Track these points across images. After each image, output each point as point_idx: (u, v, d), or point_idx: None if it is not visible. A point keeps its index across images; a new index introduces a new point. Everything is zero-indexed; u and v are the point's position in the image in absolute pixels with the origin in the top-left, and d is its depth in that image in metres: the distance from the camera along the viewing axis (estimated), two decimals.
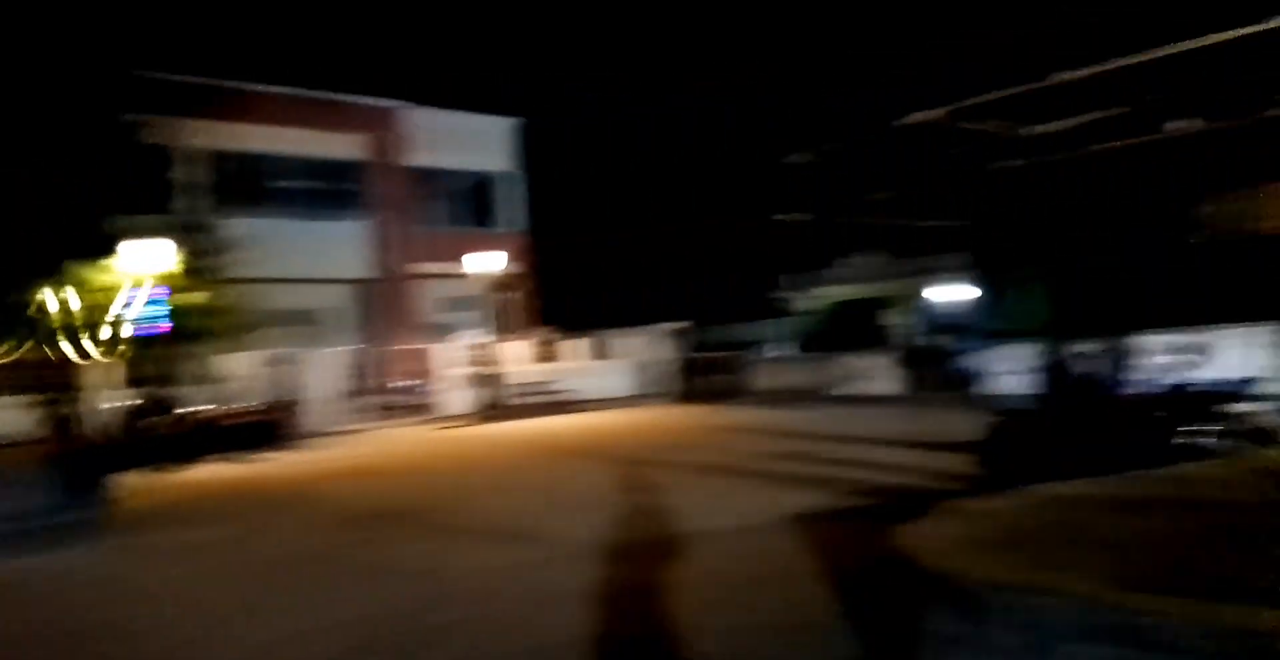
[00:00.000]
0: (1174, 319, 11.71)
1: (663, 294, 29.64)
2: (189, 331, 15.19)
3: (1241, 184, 16.33)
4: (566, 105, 36.99)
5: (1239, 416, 7.28)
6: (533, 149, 26.43)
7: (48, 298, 13.36)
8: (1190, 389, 7.46)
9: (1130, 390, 7.57)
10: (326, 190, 22.91)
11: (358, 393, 19.72)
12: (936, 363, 19.88)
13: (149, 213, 16.91)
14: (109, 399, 13.55)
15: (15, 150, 12.91)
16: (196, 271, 15.60)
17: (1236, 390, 7.46)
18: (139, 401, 14.15)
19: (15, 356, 13.35)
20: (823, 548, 6.15)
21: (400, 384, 20.70)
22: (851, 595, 5.01)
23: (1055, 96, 16.39)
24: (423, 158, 23.92)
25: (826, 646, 4.42)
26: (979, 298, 23.50)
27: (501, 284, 22.87)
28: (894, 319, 25.08)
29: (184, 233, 15.88)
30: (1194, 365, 8.08)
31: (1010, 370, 13.12)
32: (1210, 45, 13.87)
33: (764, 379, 22.35)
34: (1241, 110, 15.93)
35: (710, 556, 6.18)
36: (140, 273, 13.74)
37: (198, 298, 15.39)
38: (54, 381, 12.63)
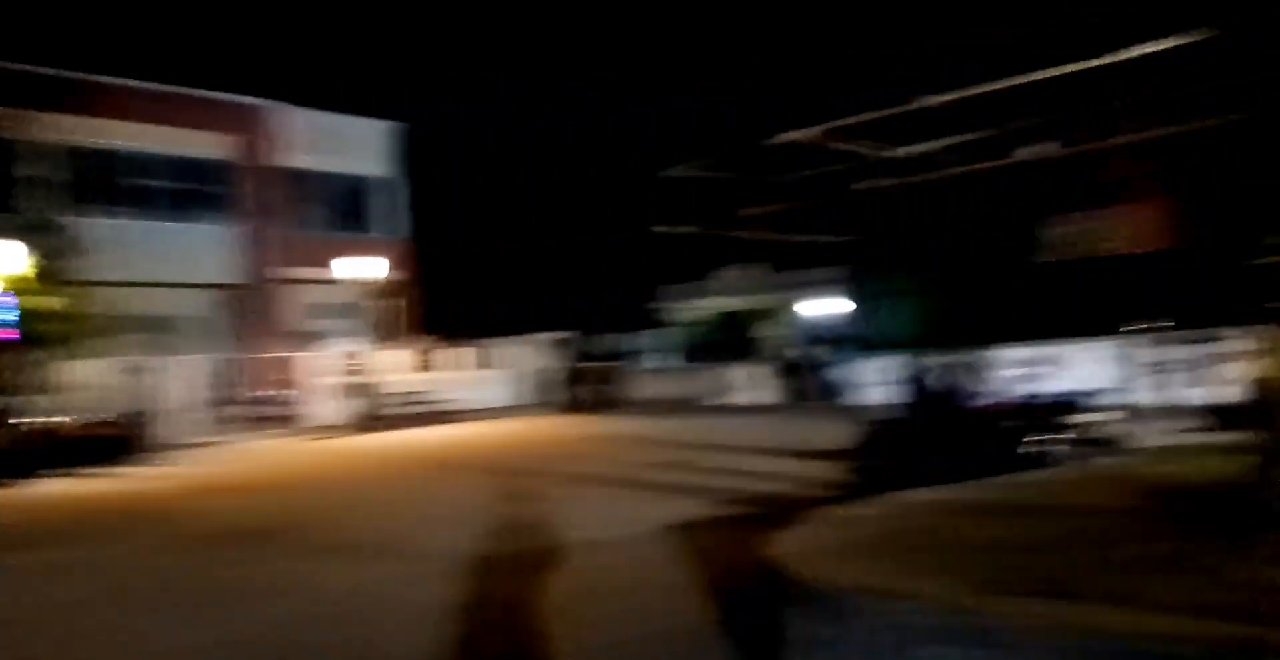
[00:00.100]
0: (1026, 333, 12.46)
1: (546, 303, 29.55)
2: (39, 337, 14.25)
3: (1085, 207, 17.51)
4: (452, 112, 36.49)
5: (1086, 426, 7.76)
6: (415, 155, 25.97)
7: None
8: (1041, 400, 7.91)
9: (986, 401, 7.97)
10: (191, 190, 21.89)
11: (221, 403, 18.86)
12: (810, 373, 20.49)
13: None
14: None
15: None
16: (48, 274, 14.68)
17: (1083, 401, 7.95)
18: None
19: None
20: (699, 556, 6.24)
21: (268, 394, 19.90)
22: (726, 602, 5.10)
23: (921, 120, 17.16)
24: (296, 159, 23.15)
25: (701, 654, 4.48)
26: (851, 311, 24.39)
27: (380, 291, 22.31)
28: (770, 331, 25.70)
29: (34, 233, 14.92)
30: (1044, 377, 8.58)
31: (878, 381, 13.66)
32: (1062, 75, 14.80)
33: (645, 389, 22.54)
34: (1087, 137, 17.07)
35: (589, 567, 6.18)
36: None
37: (49, 302, 14.47)
38: None
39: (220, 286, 22.06)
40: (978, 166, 18.75)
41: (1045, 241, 18.80)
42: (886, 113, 16.72)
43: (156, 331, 19.73)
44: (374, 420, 18.45)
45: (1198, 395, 12.66)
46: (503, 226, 35.17)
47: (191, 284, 21.42)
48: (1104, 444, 7.60)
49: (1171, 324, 14.58)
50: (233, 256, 22.27)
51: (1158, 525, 4.32)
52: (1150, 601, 3.09)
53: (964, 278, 19.28)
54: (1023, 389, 8.16)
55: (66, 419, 14.31)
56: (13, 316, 13.48)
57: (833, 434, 9.26)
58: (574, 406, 21.14)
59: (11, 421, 13.50)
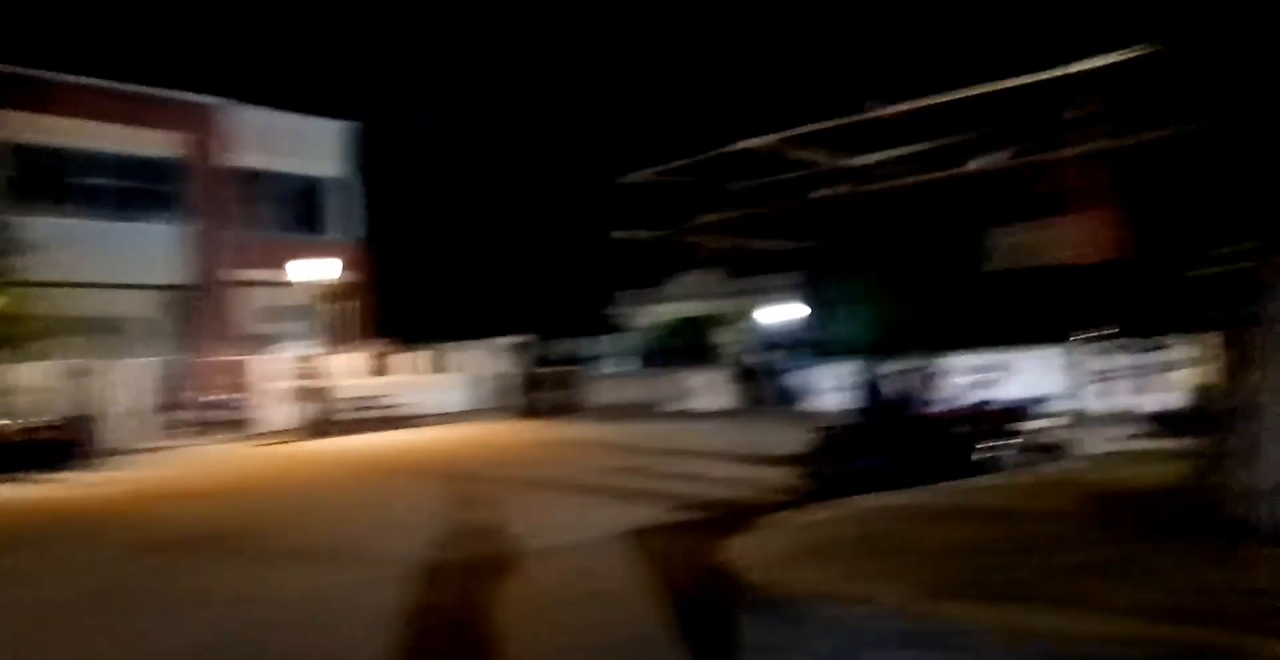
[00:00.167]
0: (978, 340, 12.67)
1: (503, 307, 29.42)
2: None
3: (1035, 217, 17.87)
4: (409, 112, 36.18)
5: (1034, 432, 7.90)
6: (371, 155, 25.74)
7: None
8: (992, 406, 8.03)
9: (939, 407, 8.08)
10: (140, 190, 21.46)
11: (169, 407, 18.48)
12: (767, 379, 20.61)
13: None
14: None
15: None
16: None
17: (1031, 407, 8.09)
18: None
19: None
20: (655, 562, 6.23)
21: (217, 398, 19.54)
22: (681, 609, 5.10)
23: (876, 130, 17.40)
24: (248, 159, 22.80)
25: None
26: (807, 317, 24.61)
27: (333, 293, 22.03)
28: (727, 336, 25.83)
29: None
30: (994, 384, 8.72)
31: (834, 386, 13.80)
32: (1012, 88, 15.10)
33: (602, 394, 22.52)
34: (1037, 149, 17.43)
35: (544, 574, 6.15)
36: None
37: None
38: None
39: (170, 288, 21.64)
40: (931, 176, 19.04)
41: (995, 250, 19.17)
42: (841, 122, 16.93)
43: (104, 334, 19.31)
44: (327, 425, 18.19)
45: (1144, 402, 12.96)
46: (460, 229, 34.97)
47: (140, 285, 20.98)
48: (1053, 450, 7.74)
49: (1116, 332, 14.93)
50: (183, 257, 21.86)
51: (1104, 530, 4.41)
52: (1098, 605, 3.16)
53: (918, 285, 19.56)
54: (974, 395, 8.27)
55: (8, 422, 13.93)
56: None
57: (789, 439, 9.31)
58: (531, 411, 21.04)
59: None
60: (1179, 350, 12.75)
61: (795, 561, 4.06)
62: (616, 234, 23.28)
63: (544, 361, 24.10)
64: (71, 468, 13.46)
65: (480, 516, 8.43)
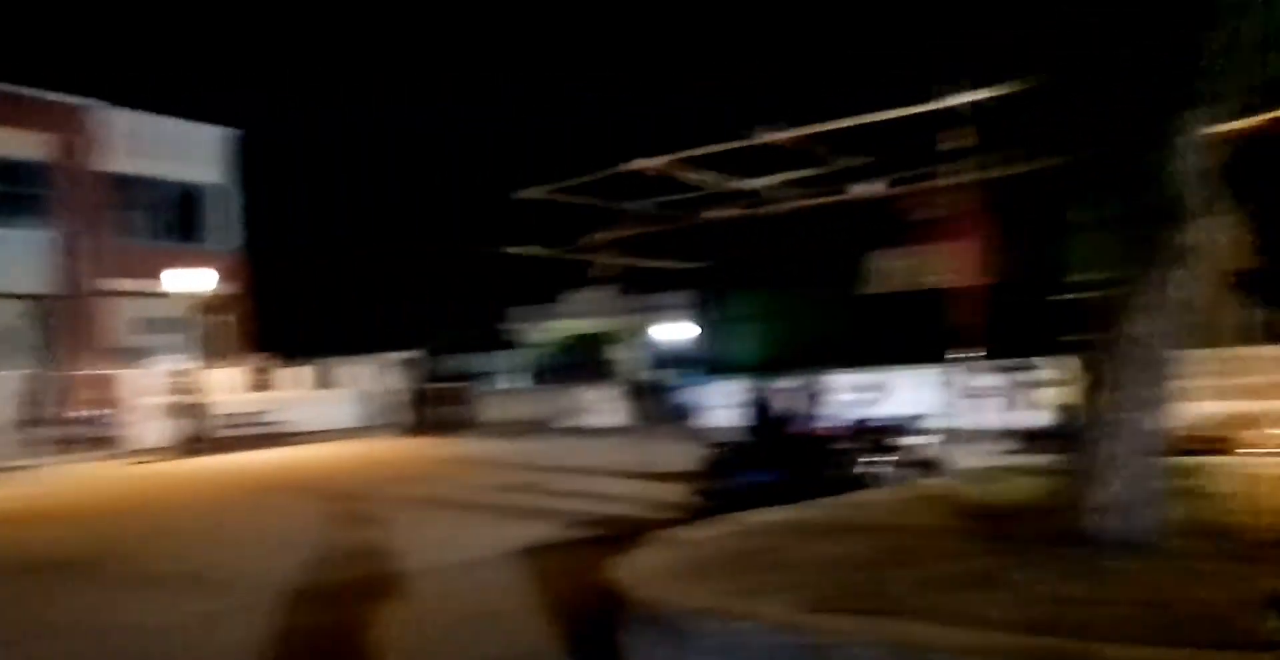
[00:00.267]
0: (859, 359, 13.12)
1: (392, 322, 28.81)
2: None
3: (910, 242, 18.68)
4: (294, 120, 35.20)
5: (910, 448, 8.21)
6: (254, 164, 24.89)
7: None
8: (872, 423, 8.31)
9: (823, 424, 8.31)
10: (2, 193, 20.20)
11: (32, 423, 17.38)
12: (659, 396, 20.80)
13: None
14: None
15: None
16: None
17: (908, 425, 8.40)
18: None
19: None
20: (542, 581, 6.20)
21: (85, 414, 18.49)
22: (568, 628, 5.09)
23: (763, 155, 17.90)
24: (121, 163, 21.75)
25: None
26: (699, 335, 24.97)
27: (211, 305, 21.19)
28: (620, 353, 25.96)
29: None
30: (874, 402, 9.03)
31: (725, 403, 14.02)
32: (891, 119, 15.81)
33: (494, 410, 22.27)
34: (910, 179, 18.27)
35: (429, 594, 6.04)
36: None
37: None
38: None
39: (35, 297, 20.40)
40: (816, 201, 19.69)
41: (874, 273, 19.93)
42: (731, 146, 17.34)
43: None
44: (203, 443, 17.45)
45: (1013, 420, 13.63)
46: (347, 242, 34.13)
47: (1, 294, 19.73)
48: (928, 466, 8.06)
49: (986, 353, 15.68)
50: (49, 265, 20.65)
51: (974, 543, 4.63)
52: (967, 616, 3.32)
53: (804, 305, 20.13)
54: (855, 413, 8.54)
55: None
56: None
57: (679, 456, 9.42)
58: (420, 428, 20.66)
59: None
60: (1046, 370, 13.46)
61: (681, 578, 4.12)
62: (510, 249, 23.17)
63: (434, 377, 23.71)
64: None
65: (364, 536, 8.22)
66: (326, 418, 20.89)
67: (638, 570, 4.27)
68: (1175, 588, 3.61)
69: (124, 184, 21.97)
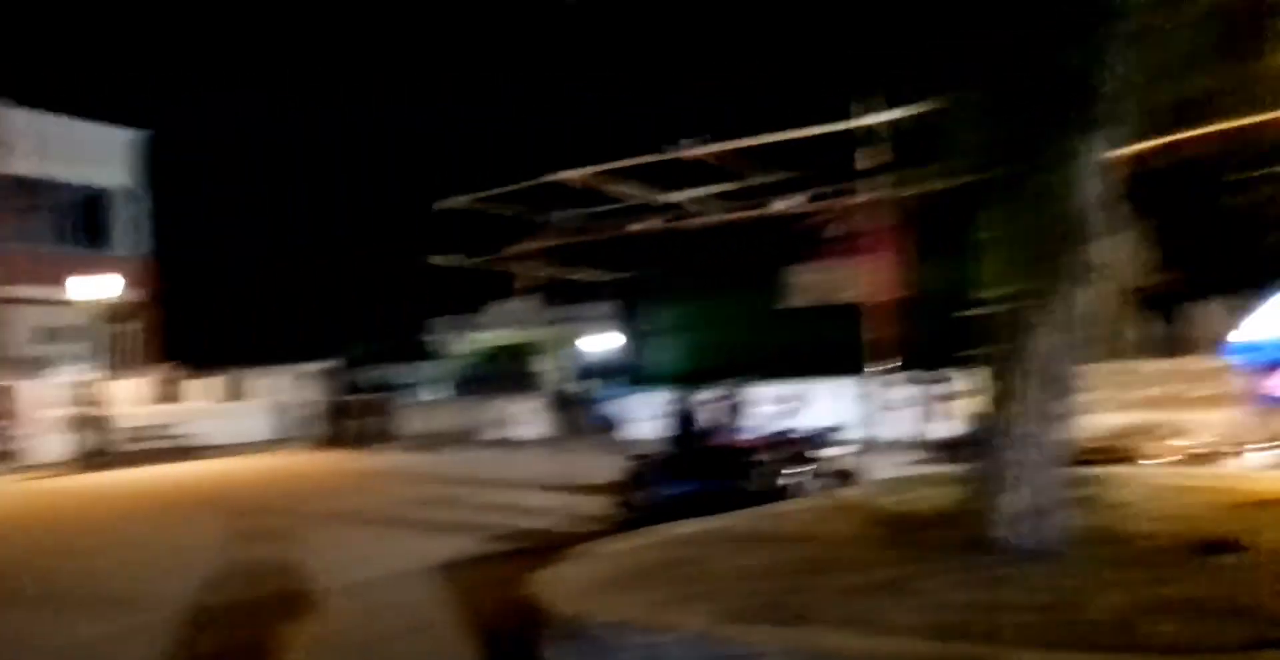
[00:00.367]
0: (778, 371, 13.32)
1: (308, 332, 28.13)
2: None
3: (829, 257, 19.10)
4: (207, 123, 34.25)
5: (829, 459, 8.37)
6: (165, 168, 24.07)
7: None
8: (792, 434, 8.45)
9: (744, 435, 8.42)
10: None
11: None
12: (584, 407, 20.76)
13: None
14: None
15: None
16: None
17: (827, 436, 8.57)
18: None
19: None
20: (463, 596, 6.13)
21: None
22: (489, 643, 5.03)
23: (686, 168, 18.11)
24: (20, 165, 20.79)
25: None
26: (624, 346, 25.03)
27: (117, 313, 20.40)
28: (545, 364, 25.84)
29: None
30: (794, 413, 9.19)
31: (649, 415, 14.08)
32: (809, 137, 16.19)
33: (416, 422, 21.92)
34: (830, 194, 18.70)
35: (344, 612, 5.90)
36: None
37: None
38: None
39: None
40: (738, 215, 20.00)
41: (795, 287, 20.30)
42: (654, 158, 17.50)
43: None
44: (108, 457, 16.77)
45: (928, 430, 14.00)
46: (263, 249, 33.27)
47: None
48: (846, 476, 8.23)
49: (902, 365, 16.09)
50: None
51: (887, 552, 4.73)
52: (880, 623, 3.39)
53: (725, 317, 20.37)
54: (776, 424, 8.67)
55: None
56: None
57: (603, 468, 9.41)
58: (338, 441, 20.21)
59: None
60: (959, 382, 13.86)
61: (603, 590, 4.12)
62: (433, 259, 22.91)
63: (353, 388, 23.23)
64: None
65: (278, 553, 7.98)
66: (239, 430, 20.27)
67: (559, 584, 4.26)
68: (1078, 593, 3.74)
69: (25, 186, 21.02)
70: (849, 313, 17.64)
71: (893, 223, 17.27)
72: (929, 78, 5.29)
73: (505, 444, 19.20)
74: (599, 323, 26.38)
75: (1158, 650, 3.05)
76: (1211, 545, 4.44)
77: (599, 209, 20.85)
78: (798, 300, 20.11)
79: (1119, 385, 10.94)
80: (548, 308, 26.92)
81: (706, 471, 7.96)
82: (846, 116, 15.93)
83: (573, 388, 23.65)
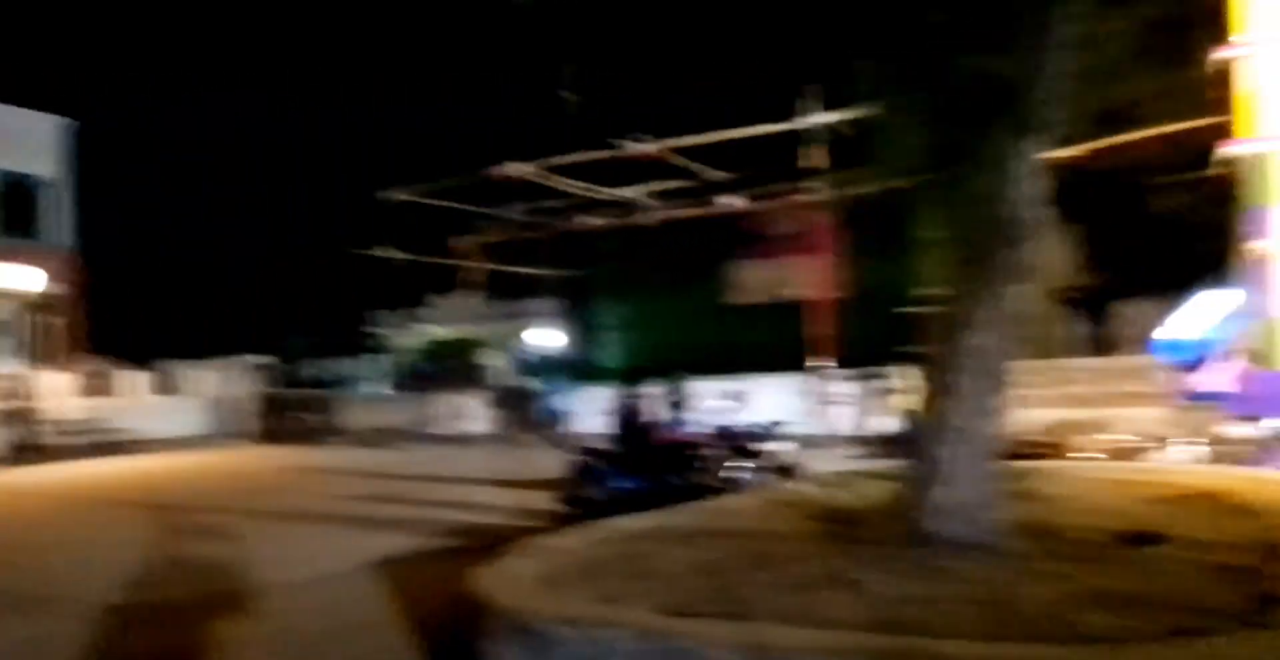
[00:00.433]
0: (721, 367, 13.44)
1: (243, 325, 27.55)
2: None
3: (771, 255, 19.34)
4: (142, 114, 33.26)
5: (771, 454, 8.46)
6: (93, 157, 23.32)
7: None
8: (735, 430, 8.53)
9: (687, 430, 8.48)
10: None
11: None
12: (528, 403, 20.66)
13: None
14: None
15: None
16: None
17: (769, 431, 8.67)
18: None
19: None
20: (405, 593, 6.07)
21: None
22: (430, 640, 5.00)
23: (630, 166, 18.15)
24: None
25: None
26: (568, 341, 24.97)
27: (42, 305, 19.74)
28: (489, 360, 25.65)
29: None
30: (736, 409, 9.28)
31: (593, 410, 14.09)
32: (752, 137, 16.35)
33: (356, 418, 21.61)
34: (773, 194, 18.92)
35: (282, 611, 5.81)
36: None
37: None
38: None
39: None
40: (682, 213, 20.10)
41: (737, 284, 20.49)
42: (601, 155, 17.50)
43: None
44: (31, 452, 16.23)
45: (867, 426, 14.24)
46: (195, 240, 32.45)
47: None
48: (786, 471, 8.33)
49: (842, 361, 16.34)
50: None
51: (825, 546, 4.82)
52: (817, 617, 3.45)
53: (668, 313, 20.47)
54: (719, 420, 8.75)
55: None
56: None
57: (546, 463, 9.40)
58: (273, 437, 19.84)
59: None
60: (897, 378, 14.12)
61: (546, 586, 4.12)
62: (374, 251, 22.59)
63: (290, 383, 22.81)
64: None
65: (211, 551, 7.83)
66: (170, 425, 19.80)
67: (501, 579, 4.25)
68: (1011, 585, 3.85)
69: None
70: (791, 310, 17.85)
71: (834, 222, 17.54)
72: (867, 80, 5.38)
73: (449, 440, 19.03)
74: (544, 318, 26.25)
75: (1088, 640, 3.15)
76: (1137, 537, 4.60)
77: (545, 204, 20.77)
78: (741, 297, 20.30)
79: (1049, 382, 11.26)
80: (492, 302, 26.73)
81: (651, 467, 8.00)
82: (791, 117, 16.13)
83: (516, 383, 23.53)
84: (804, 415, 14.84)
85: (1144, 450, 9.22)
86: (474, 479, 11.72)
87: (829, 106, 14.93)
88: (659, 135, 16.97)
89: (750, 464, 8.17)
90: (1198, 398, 9.48)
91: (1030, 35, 4.52)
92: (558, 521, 7.08)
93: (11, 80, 22.24)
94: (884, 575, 4.06)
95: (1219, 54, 9.57)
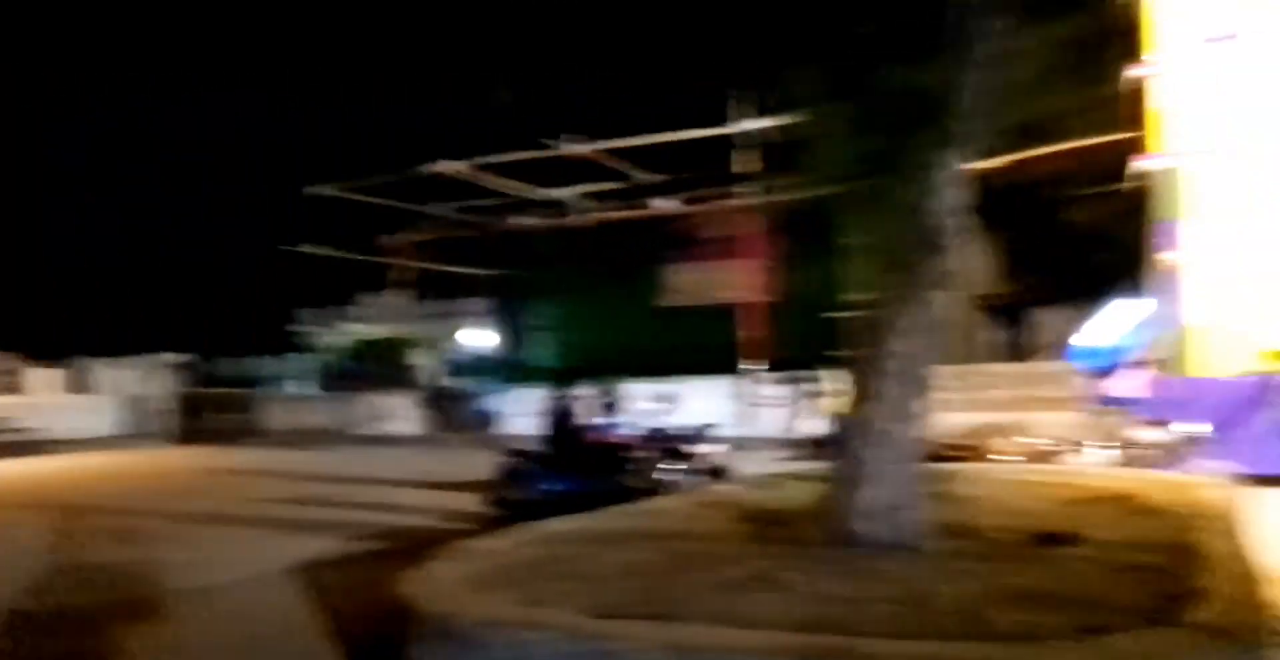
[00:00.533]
0: (655, 369, 13.50)
1: (161, 322, 26.72)
2: None
3: (704, 258, 19.50)
4: (57, 102, 32.03)
5: (702, 456, 8.53)
6: (2, 144, 22.39)
7: None
8: (666, 432, 8.58)
9: (619, 432, 8.49)
10: None
11: None
12: (459, 403, 20.47)
13: None
14: None
15: None
16: None
17: (701, 433, 8.74)
18: None
19: None
20: (328, 597, 5.96)
21: None
22: (354, 645, 4.92)
23: (565, 166, 18.12)
24: None
25: None
26: (500, 342, 24.78)
27: None
28: (419, 359, 25.33)
29: None
30: (668, 411, 9.33)
31: (522, 412, 14.02)
32: (687, 140, 16.46)
33: (281, 418, 21.14)
34: (706, 197, 19.09)
35: (200, 616, 5.64)
36: None
37: None
38: None
39: None
40: (617, 215, 20.13)
41: (670, 286, 20.60)
42: (534, 155, 17.42)
43: None
44: None
45: (798, 428, 14.44)
46: (111, 234, 31.35)
47: None
48: (718, 473, 8.41)
49: (773, 364, 16.56)
50: None
51: (753, 547, 4.88)
52: (744, 617, 3.49)
53: (601, 315, 20.48)
54: (650, 422, 8.78)
55: None
56: None
57: (478, 465, 9.31)
58: (192, 437, 19.29)
59: None
60: (826, 381, 14.37)
61: (473, 589, 4.09)
62: (301, 248, 22.12)
63: (212, 381, 22.21)
64: None
65: (126, 555, 7.57)
66: (85, 425, 19.12)
67: (429, 582, 4.20)
68: (932, 585, 3.95)
69: None
70: (723, 313, 18.02)
71: (765, 227, 17.76)
72: (796, 88, 5.47)
73: (377, 441, 18.75)
74: (476, 318, 26.00)
75: (1003, 638, 3.24)
76: (1052, 538, 4.76)
77: (478, 203, 20.59)
78: (674, 300, 20.41)
79: (970, 387, 11.56)
80: (423, 302, 26.39)
81: (581, 468, 8.00)
82: (724, 122, 16.28)
83: (448, 384, 23.27)
84: (735, 418, 14.99)
85: (1059, 453, 9.52)
86: (401, 481, 11.56)
87: (762, 112, 15.11)
88: (593, 137, 16.97)
89: (681, 466, 8.22)
90: (1110, 403, 9.81)
91: (953, 50, 4.66)
92: (486, 524, 7.02)
93: None
94: (810, 576, 4.12)
95: (1132, 72, 9.96)
